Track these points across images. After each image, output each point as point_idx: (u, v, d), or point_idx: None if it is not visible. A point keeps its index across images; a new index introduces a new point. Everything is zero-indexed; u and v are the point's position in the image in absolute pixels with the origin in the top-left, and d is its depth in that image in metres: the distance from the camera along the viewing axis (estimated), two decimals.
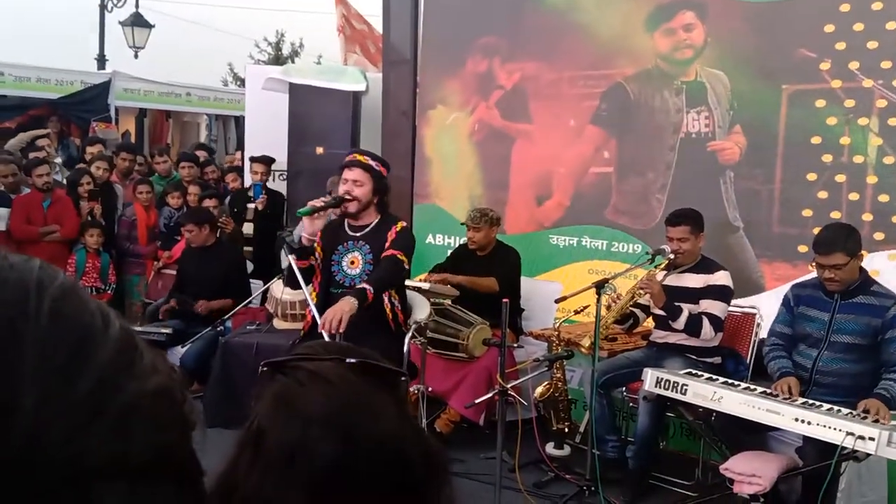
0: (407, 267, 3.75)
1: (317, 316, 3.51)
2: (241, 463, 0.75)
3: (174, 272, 5.82)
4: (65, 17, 19.67)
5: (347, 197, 3.61)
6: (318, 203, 3.58)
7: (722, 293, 3.82)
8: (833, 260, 3.30)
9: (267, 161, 6.60)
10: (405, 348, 3.72)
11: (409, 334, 3.79)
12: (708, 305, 3.80)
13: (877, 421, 3.00)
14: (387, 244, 3.66)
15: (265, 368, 0.79)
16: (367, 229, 3.74)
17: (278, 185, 6.97)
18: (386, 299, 3.70)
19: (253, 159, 6.79)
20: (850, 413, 3.06)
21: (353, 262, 3.71)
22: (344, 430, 0.74)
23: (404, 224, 3.82)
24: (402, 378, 0.82)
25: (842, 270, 3.31)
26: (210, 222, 5.47)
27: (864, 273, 3.42)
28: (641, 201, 4.82)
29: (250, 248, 6.17)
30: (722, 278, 3.84)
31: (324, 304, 3.69)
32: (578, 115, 5.09)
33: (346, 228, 3.76)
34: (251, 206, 6.41)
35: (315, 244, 3.68)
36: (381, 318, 3.68)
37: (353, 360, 0.79)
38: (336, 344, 0.86)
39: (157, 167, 7.32)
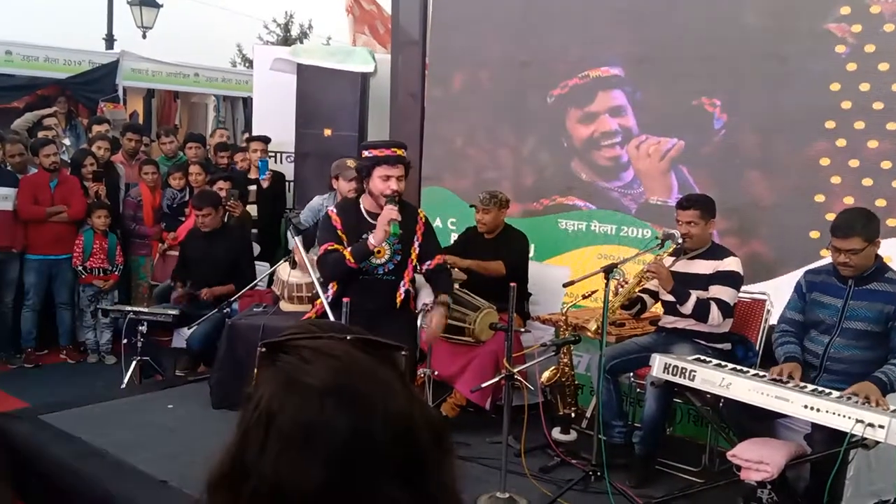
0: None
1: (328, 309, 3.50)
2: (250, 448, 0.73)
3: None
4: None
5: (396, 196, 3.60)
6: (398, 216, 3.57)
7: (731, 279, 3.79)
8: (850, 244, 3.26)
9: (265, 140, 6.58)
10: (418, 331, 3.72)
11: (420, 318, 3.78)
12: (717, 291, 3.76)
13: (866, 404, 2.98)
14: (418, 237, 3.72)
15: (263, 349, 0.77)
16: None
17: (285, 166, 6.94)
18: (401, 288, 3.69)
19: (250, 139, 6.78)
20: (860, 400, 3.03)
21: (378, 252, 3.68)
22: (358, 401, 0.73)
23: (424, 213, 3.88)
24: (402, 353, 0.81)
25: (857, 255, 3.27)
26: (220, 203, 5.46)
27: (879, 260, 3.38)
28: (653, 186, 4.77)
29: (254, 231, 6.16)
30: (731, 264, 3.80)
31: (343, 288, 3.67)
32: (591, 97, 5.02)
33: (367, 216, 3.72)
34: (252, 188, 6.39)
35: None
36: (393, 304, 3.68)
37: (349, 337, 0.78)
38: (328, 322, 0.85)
39: (162, 148, 7.28)
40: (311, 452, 0.71)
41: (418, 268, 3.81)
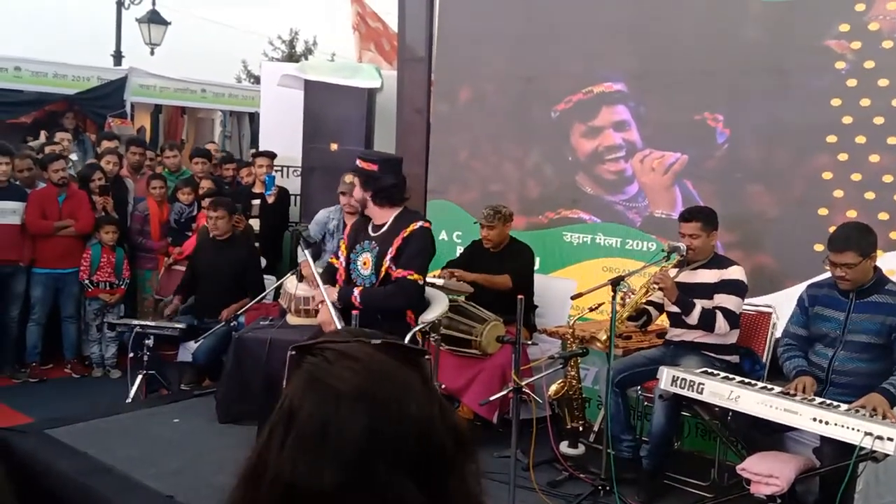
0: (422, 282, 3.61)
1: (335, 318, 3.51)
2: (272, 444, 0.75)
3: (184, 269, 5.85)
4: (82, 13, 19.80)
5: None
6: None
7: (735, 287, 3.80)
8: (844, 258, 3.28)
9: (270, 155, 6.64)
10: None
11: (414, 329, 3.73)
12: (721, 300, 3.78)
13: (874, 415, 2.98)
14: (392, 251, 3.57)
15: (293, 353, 0.80)
16: (383, 230, 3.73)
17: (292, 180, 6.99)
18: None
19: (256, 154, 6.85)
20: (868, 413, 3.03)
21: (365, 263, 3.70)
22: (374, 403, 0.74)
23: (416, 226, 3.59)
24: (427, 357, 0.82)
25: (853, 269, 3.28)
26: (234, 214, 5.52)
27: (878, 272, 3.39)
28: (657, 199, 4.80)
29: (257, 244, 6.20)
30: (735, 273, 3.83)
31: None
32: (595, 112, 5.06)
33: (369, 228, 3.76)
34: (256, 202, 6.43)
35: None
36: (391, 314, 3.67)
37: (377, 341, 0.80)
38: (359, 329, 0.87)
39: (166, 162, 7.30)
40: (327, 451, 0.72)
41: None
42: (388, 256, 3.56)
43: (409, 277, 3.51)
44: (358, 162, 3.69)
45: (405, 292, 3.53)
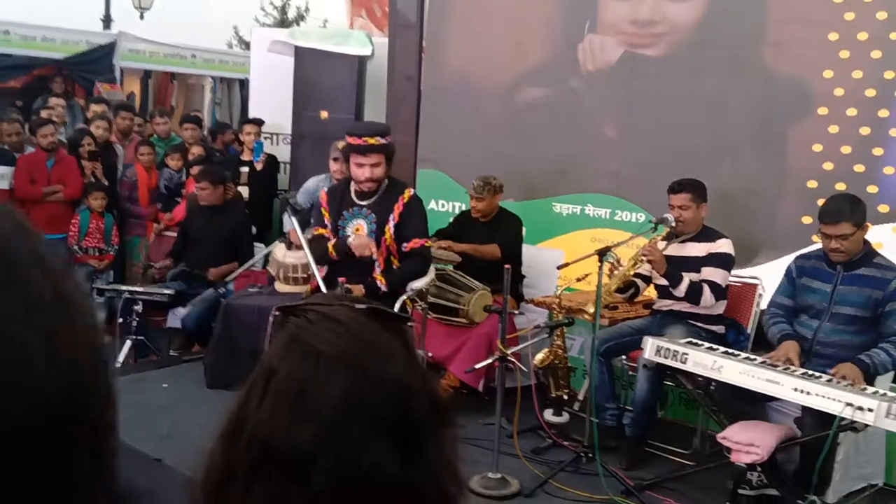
0: (430, 245, 3.89)
1: (322, 286, 3.52)
2: (251, 401, 0.75)
3: (175, 234, 5.83)
4: None
5: (367, 183, 3.63)
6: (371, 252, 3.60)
7: (723, 260, 3.81)
8: (840, 230, 3.29)
9: (258, 122, 6.59)
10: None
11: (402, 298, 3.78)
12: (709, 273, 3.79)
13: (845, 383, 3.02)
14: (394, 217, 3.67)
15: (277, 314, 0.80)
16: (375, 197, 3.72)
17: (282, 148, 6.94)
18: (377, 269, 3.69)
19: (244, 121, 6.79)
20: (845, 382, 3.06)
21: (357, 230, 3.70)
22: (354, 366, 0.75)
23: (412, 192, 3.80)
24: (410, 324, 0.83)
25: (848, 241, 3.29)
26: (224, 183, 5.48)
27: (867, 245, 3.41)
28: (646, 170, 4.78)
29: (246, 212, 6.17)
30: (723, 246, 3.83)
31: (330, 268, 3.72)
32: (586, 80, 5.02)
33: (352, 195, 3.75)
34: (244, 169, 6.40)
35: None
36: (373, 284, 3.69)
37: (361, 306, 0.80)
38: (344, 294, 0.88)
39: (156, 128, 7.22)
40: (304, 410, 0.73)
41: (393, 249, 3.78)
42: (392, 223, 3.68)
43: (426, 245, 3.79)
44: (383, 139, 3.65)
45: (425, 259, 3.82)
